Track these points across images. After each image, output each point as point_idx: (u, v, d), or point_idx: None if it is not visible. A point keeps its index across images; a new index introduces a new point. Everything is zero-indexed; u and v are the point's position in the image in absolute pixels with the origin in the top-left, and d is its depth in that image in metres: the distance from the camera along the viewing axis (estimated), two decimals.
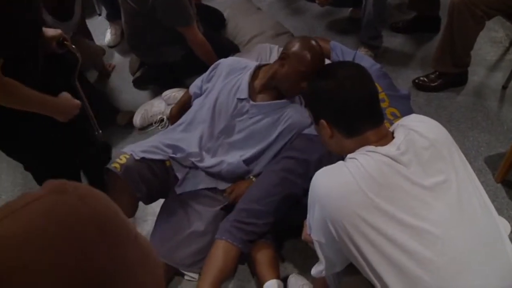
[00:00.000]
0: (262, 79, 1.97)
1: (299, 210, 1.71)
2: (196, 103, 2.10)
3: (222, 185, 1.97)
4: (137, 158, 1.84)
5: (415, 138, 1.16)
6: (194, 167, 1.96)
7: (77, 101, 1.71)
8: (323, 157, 1.79)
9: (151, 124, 2.61)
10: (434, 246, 1.05)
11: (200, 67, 2.31)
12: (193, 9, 2.48)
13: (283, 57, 1.85)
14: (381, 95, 1.98)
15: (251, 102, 1.96)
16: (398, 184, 1.09)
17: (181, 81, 2.72)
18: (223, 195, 1.95)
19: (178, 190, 1.93)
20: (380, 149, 1.14)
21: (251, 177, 1.97)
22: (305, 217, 1.29)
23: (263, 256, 1.80)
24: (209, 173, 1.97)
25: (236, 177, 1.97)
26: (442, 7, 2.83)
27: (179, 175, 1.93)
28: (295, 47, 1.81)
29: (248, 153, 1.96)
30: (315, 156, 1.82)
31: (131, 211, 1.90)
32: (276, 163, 1.90)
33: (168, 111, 2.49)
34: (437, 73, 2.63)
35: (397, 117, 1.93)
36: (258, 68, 2.02)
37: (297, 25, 3.17)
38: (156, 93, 2.71)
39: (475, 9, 2.24)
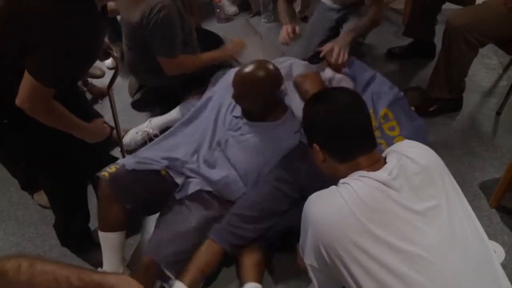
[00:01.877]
0: None
1: (290, 218, 1.80)
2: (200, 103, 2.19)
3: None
4: (128, 169, 1.84)
5: (407, 164, 1.18)
6: (192, 175, 1.99)
7: (109, 129, 1.81)
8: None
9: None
10: (425, 270, 1.05)
11: (200, 90, 2.34)
12: (193, 34, 2.53)
13: None
14: (392, 123, 2.06)
15: (245, 120, 2.02)
16: (389, 209, 1.10)
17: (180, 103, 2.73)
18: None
19: (178, 196, 1.93)
20: (372, 174, 1.16)
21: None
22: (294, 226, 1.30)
23: (248, 259, 1.82)
24: (206, 179, 2.00)
25: (230, 191, 1.99)
26: (437, 34, 2.88)
27: (179, 181, 1.94)
28: None
29: (241, 170, 2.00)
30: (305, 166, 1.86)
31: (121, 222, 1.83)
32: (270, 173, 1.95)
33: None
34: (433, 98, 2.66)
35: None
36: None
37: (295, 49, 3.21)
38: (155, 115, 2.73)
39: (468, 36, 2.29)
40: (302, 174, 1.85)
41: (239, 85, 1.92)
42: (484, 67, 3.03)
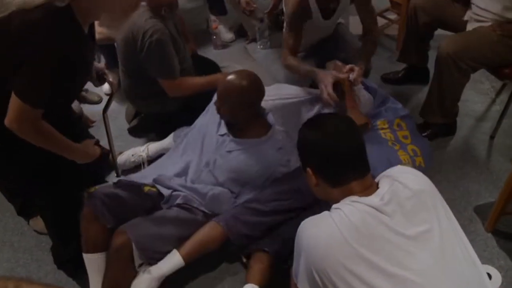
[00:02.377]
0: None
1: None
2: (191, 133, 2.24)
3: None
4: (110, 184, 1.87)
5: (399, 189, 1.19)
6: (179, 188, 2.01)
7: (98, 150, 1.81)
8: None
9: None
10: None
11: (196, 115, 2.36)
12: (189, 61, 2.56)
13: None
14: (405, 132, 2.19)
15: (231, 137, 2.06)
16: (381, 234, 1.11)
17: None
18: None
19: (165, 207, 1.95)
20: (364, 199, 1.17)
21: None
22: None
23: (254, 263, 1.83)
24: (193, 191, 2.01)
25: (219, 204, 2.00)
26: (430, 59, 2.92)
27: (165, 193, 1.96)
28: None
29: (230, 186, 2.04)
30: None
31: (103, 243, 1.80)
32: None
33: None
34: (427, 123, 2.69)
35: (417, 155, 2.07)
36: None
37: (290, 76, 3.24)
38: (152, 141, 2.74)
39: (460, 63, 2.33)
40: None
41: (222, 93, 1.96)
42: (477, 92, 3.08)
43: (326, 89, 2.09)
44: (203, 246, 1.86)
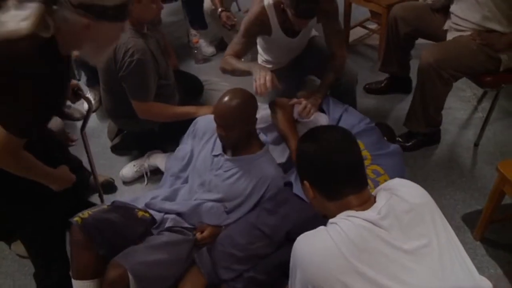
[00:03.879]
0: None
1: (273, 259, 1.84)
2: (179, 161, 2.21)
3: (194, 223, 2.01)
4: (102, 207, 1.85)
5: (397, 203, 1.18)
6: (171, 207, 2.00)
7: (73, 176, 1.78)
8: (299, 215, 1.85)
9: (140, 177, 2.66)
10: None
11: (179, 133, 2.33)
12: (172, 77, 2.54)
13: None
14: (364, 153, 2.03)
15: (225, 157, 2.04)
16: (378, 248, 1.10)
17: (160, 148, 2.73)
18: (193, 232, 1.97)
19: (155, 232, 1.92)
20: (361, 213, 1.15)
21: (223, 226, 2.00)
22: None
23: None
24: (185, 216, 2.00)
25: (212, 218, 1.99)
26: (413, 68, 2.94)
27: (157, 218, 1.94)
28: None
29: (226, 204, 2.01)
30: (294, 212, 1.87)
31: (94, 269, 1.76)
32: (257, 215, 1.95)
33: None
34: (411, 133, 2.70)
35: (380, 175, 1.97)
36: None
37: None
38: (134, 159, 2.71)
39: (441, 72, 2.35)
40: (291, 220, 1.85)
41: (224, 114, 1.92)
42: (459, 100, 3.11)
43: (262, 75, 1.96)
44: None
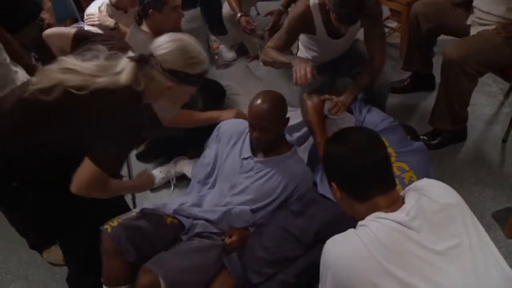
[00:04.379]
0: None
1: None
2: (205, 167, 2.22)
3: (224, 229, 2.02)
4: (132, 215, 1.87)
5: (426, 203, 1.17)
6: (200, 214, 2.01)
7: (153, 179, 1.99)
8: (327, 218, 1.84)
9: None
10: None
11: (204, 139, 2.35)
12: None
13: None
14: (388, 150, 2.01)
15: (255, 159, 2.06)
16: (409, 249, 1.09)
17: (186, 153, 2.75)
18: (222, 237, 1.98)
19: (184, 238, 1.94)
20: (390, 215, 1.15)
21: (250, 229, 2.02)
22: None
23: None
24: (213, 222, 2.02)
25: (240, 222, 2.01)
26: (436, 65, 2.91)
27: (186, 224, 1.96)
28: (250, 101, 2.00)
29: (255, 205, 2.03)
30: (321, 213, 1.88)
31: (124, 276, 1.80)
32: (285, 217, 1.96)
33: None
34: (436, 131, 2.66)
35: (405, 171, 1.95)
36: None
37: (296, 91, 3.23)
38: (160, 165, 2.74)
39: (466, 67, 2.31)
40: (318, 220, 1.86)
41: (260, 116, 1.95)
42: (485, 95, 3.05)
43: (303, 66, 2.01)
44: None
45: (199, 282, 1.83)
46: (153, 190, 2.65)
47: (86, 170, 1.51)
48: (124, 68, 1.49)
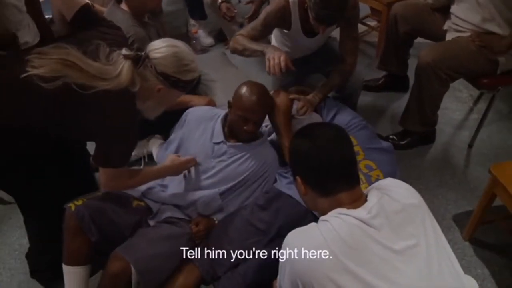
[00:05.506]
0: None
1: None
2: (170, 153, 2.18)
3: (191, 215, 2.05)
4: (97, 195, 1.85)
5: (388, 202, 1.19)
6: (169, 199, 2.02)
7: (184, 160, 2.02)
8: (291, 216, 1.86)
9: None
10: None
11: (175, 121, 2.33)
12: None
13: (229, 103, 2.08)
14: (356, 148, 2.05)
15: (228, 144, 2.09)
16: (368, 247, 1.11)
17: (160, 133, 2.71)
18: (189, 225, 1.99)
19: (151, 223, 1.93)
20: (352, 211, 1.16)
21: (215, 218, 2.04)
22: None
23: None
24: (182, 207, 2.03)
25: (209, 210, 2.03)
26: (410, 67, 2.95)
27: (154, 208, 1.97)
28: (237, 93, 2.03)
29: (224, 187, 2.05)
30: (285, 208, 1.90)
31: (85, 256, 1.79)
32: (251, 211, 1.98)
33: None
34: (406, 131, 2.71)
35: (373, 169, 1.98)
36: (227, 115, 2.15)
37: (272, 80, 3.23)
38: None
39: (439, 72, 2.35)
40: (281, 215, 1.88)
41: (257, 110, 2.00)
42: (456, 100, 3.12)
43: (276, 55, 1.97)
44: None
45: (167, 270, 1.83)
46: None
47: (102, 171, 1.69)
48: (122, 68, 1.52)
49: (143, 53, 1.62)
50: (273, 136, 2.29)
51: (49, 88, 1.38)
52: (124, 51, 1.57)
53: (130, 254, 1.72)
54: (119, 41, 1.69)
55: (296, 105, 2.21)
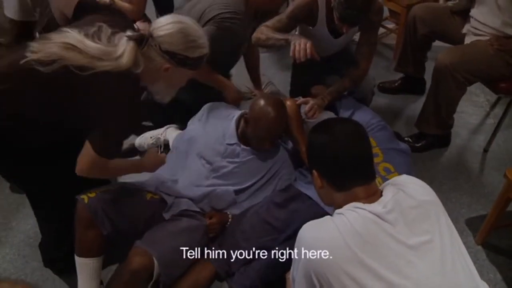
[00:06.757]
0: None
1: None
2: (182, 145, 2.21)
3: (205, 208, 2.05)
4: (111, 187, 1.85)
5: (403, 198, 1.19)
6: (183, 192, 2.02)
7: (163, 156, 1.99)
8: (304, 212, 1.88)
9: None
10: None
11: (191, 111, 2.34)
12: None
13: (246, 119, 2.06)
14: (375, 150, 2.05)
15: (242, 146, 2.08)
16: (383, 241, 1.11)
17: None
18: (204, 217, 1.99)
19: (167, 216, 1.92)
20: (367, 206, 1.16)
21: (229, 213, 2.05)
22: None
23: None
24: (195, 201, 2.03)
25: (222, 203, 2.04)
26: (428, 70, 2.94)
27: (168, 201, 1.95)
28: (254, 112, 2.00)
29: (238, 186, 2.06)
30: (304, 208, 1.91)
31: (97, 248, 1.78)
32: (265, 209, 1.99)
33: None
34: (422, 134, 2.70)
35: (391, 173, 1.98)
36: (242, 116, 2.13)
37: (288, 81, 3.23)
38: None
39: (456, 75, 2.35)
40: (300, 216, 1.87)
41: (278, 130, 2.02)
42: (472, 104, 3.10)
43: (302, 41, 1.95)
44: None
45: (188, 262, 1.85)
46: (141, 154, 2.62)
47: (86, 153, 1.56)
48: (124, 50, 1.46)
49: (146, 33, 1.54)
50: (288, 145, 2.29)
51: (47, 71, 1.37)
52: (128, 32, 1.51)
53: (153, 248, 1.73)
54: (123, 25, 1.62)
55: (303, 109, 2.21)
